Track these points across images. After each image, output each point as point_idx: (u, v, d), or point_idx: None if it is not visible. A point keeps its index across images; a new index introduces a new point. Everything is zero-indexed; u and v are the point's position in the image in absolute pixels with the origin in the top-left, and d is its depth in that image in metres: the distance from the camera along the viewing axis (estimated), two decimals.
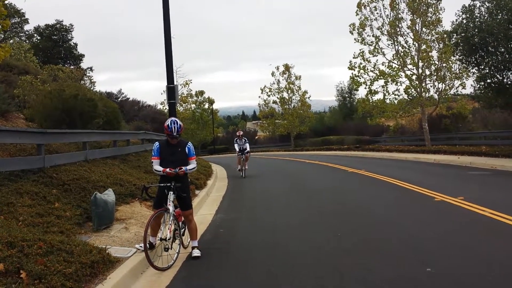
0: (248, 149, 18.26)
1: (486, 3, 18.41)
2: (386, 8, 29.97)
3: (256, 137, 68.52)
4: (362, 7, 30.73)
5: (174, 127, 6.16)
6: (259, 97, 55.45)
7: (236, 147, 18.47)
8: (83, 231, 7.04)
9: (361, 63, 31.44)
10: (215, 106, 61.31)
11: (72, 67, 31.31)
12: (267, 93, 54.03)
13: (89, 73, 35.11)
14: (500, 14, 17.55)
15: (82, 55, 38.80)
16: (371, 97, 32.32)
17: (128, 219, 8.07)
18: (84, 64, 38.07)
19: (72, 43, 38.61)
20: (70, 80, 20.85)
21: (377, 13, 30.25)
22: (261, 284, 5.03)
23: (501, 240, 6.22)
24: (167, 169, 6.11)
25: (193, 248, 6.30)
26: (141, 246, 6.02)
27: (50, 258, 4.79)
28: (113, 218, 7.71)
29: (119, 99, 42.94)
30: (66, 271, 4.64)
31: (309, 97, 53.01)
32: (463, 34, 18.43)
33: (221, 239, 7.35)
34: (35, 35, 38.71)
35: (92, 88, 26.75)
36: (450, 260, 5.41)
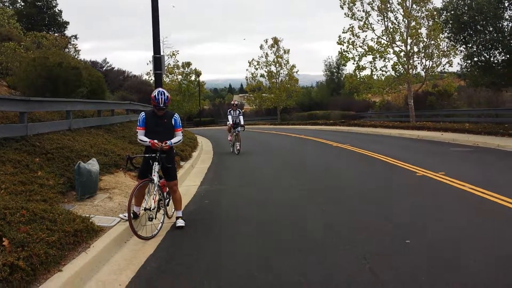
0: (242, 122, 16.12)
1: None
2: None
3: (243, 110, 68.28)
4: None
5: (161, 98, 6.09)
6: (247, 70, 55.19)
7: (230, 119, 16.26)
8: (67, 200, 7.02)
9: (350, 38, 31.38)
10: (202, 78, 60.75)
11: (56, 34, 30.58)
12: (254, 66, 53.73)
13: (73, 41, 34.33)
14: None
15: (67, 23, 37.85)
16: (358, 73, 32.38)
17: (112, 189, 8.06)
18: (68, 32, 37.36)
19: (56, 10, 37.59)
20: (54, 47, 20.43)
21: None
22: (244, 253, 5.10)
23: (478, 213, 6.37)
24: (155, 141, 6.04)
25: (177, 218, 6.33)
26: (125, 216, 6.02)
27: (33, 226, 4.77)
28: (97, 188, 7.69)
29: (104, 69, 42.23)
30: (49, 239, 4.62)
31: (297, 72, 52.85)
32: (452, 12, 18.41)
33: (205, 210, 7.40)
34: (19, 0, 37.55)
35: (76, 57, 26.28)
36: (424, 231, 5.55)
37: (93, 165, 7.68)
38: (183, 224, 6.20)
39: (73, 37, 35.59)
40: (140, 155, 6.55)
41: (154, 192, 5.91)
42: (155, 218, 5.86)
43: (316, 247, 5.19)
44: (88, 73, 15.26)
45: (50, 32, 32.12)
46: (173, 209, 6.57)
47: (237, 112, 16.31)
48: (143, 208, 5.90)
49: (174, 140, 6.24)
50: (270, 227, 6.14)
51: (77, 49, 29.27)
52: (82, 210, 6.52)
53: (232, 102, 17.14)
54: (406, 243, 5.17)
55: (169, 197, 6.61)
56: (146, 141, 6.12)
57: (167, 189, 6.48)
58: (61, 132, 10.07)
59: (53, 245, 4.60)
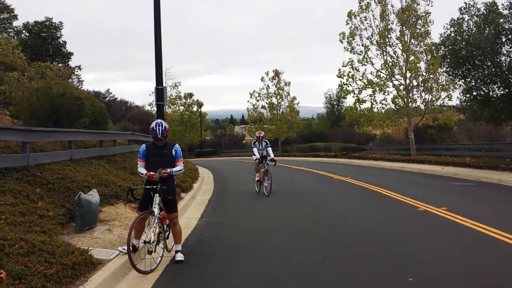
0: (272, 155, 13.35)
1: (474, 17, 18.71)
2: (376, 19, 30.38)
3: (244, 141, 68.49)
4: (353, 16, 31.04)
5: (159, 129, 6.13)
6: (248, 101, 55.69)
7: (256, 152, 13.65)
8: (66, 231, 6.97)
9: (350, 72, 31.79)
10: (203, 109, 61.20)
11: (60, 65, 31.02)
12: (256, 98, 54.29)
13: (77, 71, 34.86)
14: (488, 29, 17.84)
15: (71, 53, 38.54)
16: (359, 106, 32.64)
17: (112, 221, 8.01)
18: (72, 63, 37.82)
19: (61, 41, 38.31)
20: (57, 78, 20.68)
21: (367, 23, 30.65)
22: None
23: (483, 251, 6.30)
24: (151, 173, 6.05)
25: (176, 251, 6.26)
26: (124, 249, 5.97)
27: (31, 258, 4.73)
28: (97, 219, 7.64)
29: (107, 99, 42.68)
30: (47, 272, 4.58)
31: (297, 103, 53.37)
32: (450, 47, 18.67)
33: (205, 243, 7.33)
34: (24, 31, 38.29)
35: (79, 87, 26.56)
36: (429, 268, 5.47)
37: (93, 196, 7.66)
38: (182, 259, 6.13)
39: (77, 68, 36.16)
40: (141, 187, 6.55)
41: (154, 225, 5.87)
42: (155, 252, 5.80)
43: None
44: (91, 103, 15.42)
45: (54, 63, 32.62)
46: (173, 242, 6.50)
47: (264, 143, 13.85)
48: (143, 241, 5.85)
49: (175, 169, 6.24)
50: (271, 262, 6.06)
51: (80, 79, 29.62)
52: (81, 242, 6.47)
53: (258, 135, 14.09)
54: (409, 281, 5.10)
55: (169, 230, 6.56)
56: (143, 174, 6.13)
57: (167, 221, 6.44)
58: (62, 163, 10.08)
59: (51, 278, 4.56)
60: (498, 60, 17.86)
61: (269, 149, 13.62)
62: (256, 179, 13.85)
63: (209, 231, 8.26)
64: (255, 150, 13.78)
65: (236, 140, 68.12)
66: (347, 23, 31.36)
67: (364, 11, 30.44)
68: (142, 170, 6.19)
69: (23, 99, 13.46)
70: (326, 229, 8.21)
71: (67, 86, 16.04)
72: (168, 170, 6.11)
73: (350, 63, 31.65)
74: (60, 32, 38.34)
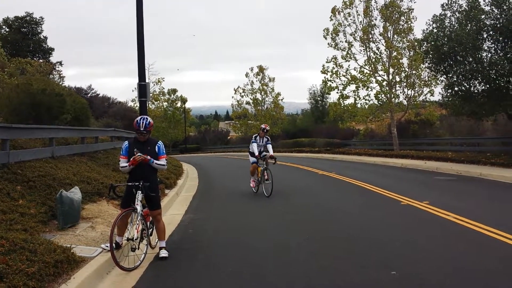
0: (271, 152, 12.12)
1: (456, 13, 18.91)
2: (359, 15, 30.49)
3: (229, 137, 68.45)
4: (336, 12, 31.14)
5: (143, 122, 6.10)
6: (233, 97, 55.51)
7: (255, 148, 12.08)
8: (48, 229, 6.87)
9: (333, 68, 31.90)
10: (187, 105, 61.00)
11: (41, 60, 30.56)
12: (240, 93, 54.16)
13: (58, 67, 34.26)
14: (469, 25, 18.06)
15: (52, 49, 37.87)
16: (342, 101, 32.79)
17: (95, 218, 7.93)
18: (53, 58, 37.16)
19: (42, 36, 37.64)
20: (38, 74, 20.39)
21: (350, 19, 30.75)
22: (228, 286, 5.03)
23: (465, 243, 6.40)
24: (133, 159, 5.99)
25: (160, 248, 6.23)
26: (107, 246, 5.92)
27: (12, 257, 4.66)
28: (79, 217, 7.56)
29: (89, 95, 42.14)
30: (29, 270, 4.52)
31: (282, 99, 53.38)
32: (433, 43, 18.85)
33: (189, 240, 7.31)
34: (4, 26, 37.53)
35: (61, 83, 26.21)
36: (411, 261, 5.55)
37: (75, 193, 7.57)
38: (166, 255, 6.10)
39: (58, 64, 35.53)
40: (123, 184, 6.49)
41: (137, 222, 5.83)
42: (138, 249, 5.76)
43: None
44: (72, 99, 15.22)
45: (35, 58, 32.10)
46: (157, 239, 6.46)
47: (265, 139, 12.30)
48: (126, 238, 5.80)
49: (158, 162, 6.18)
50: (255, 256, 6.07)
51: (61, 75, 29.26)
52: (64, 240, 6.39)
53: (263, 127, 12.35)
54: (392, 274, 5.15)
55: (153, 227, 6.52)
56: (126, 166, 6.07)
57: (151, 218, 6.40)
58: (43, 160, 9.93)
59: (33, 276, 4.50)
60: (479, 56, 18.10)
61: (269, 146, 12.26)
62: (251, 184, 12.44)
63: (194, 228, 8.24)
64: (254, 146, 12.08)
65: (220, 136, 68.06)
66: (331, 19, 31.47)
67: (348, 7, 30.56)
68: (122, 163, 6.14)
69: (3, 96, 13.21)
70: (311, 224, 8.25)
71: (48, 82, 15.80)
72: (149, 157, 6.06)
73: (334, 59, 31.78)
74: (41, 27, 37.69)
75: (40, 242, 5.33)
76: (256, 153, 12.01)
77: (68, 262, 5.18)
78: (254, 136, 12.52)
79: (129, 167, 6.06)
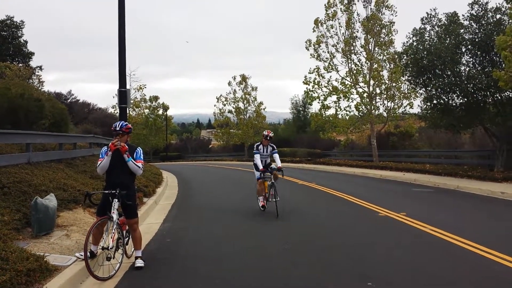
0: (279, 163, 10.35)
1: (436, 27, 19.33)
2: (342, 27, 30.88)
3: (210, 146, 68.27)
4: (319, 24, 31.49)
5: (119, 123, 6.14)
6: (215, 105, 55.53)
7: (258, 161, 10.32)
8: (22, 237, 6.72)
9: (315, 79, 32.19)
10: (169, 113, 60.60)
11: (20, 65, 30.08)
12: (223, 102, 54.12)
13: (38, 72, 33.77)
14: (448, 39, 18.46)
15: (32, 53, 37.27)
16: (324, 112, 33.11)
17: (70, 226, 7.79)
18: (33, 63, 36.56)
19: (22, 40, 37.07)
20: (17, 78, 20.07)
21: (333, 31, 31.11)
22: None
23: (440, 255, 6.48)
24: (112, 143, 5.95)
25: (136, 258, 6.14)
26: (81, 255, 5.81)
27: None
28: (54, 225, 7.41)
29: (69, 101, 41.60)
30: (0, 279, 4.42)
31: (264, 109, 53.54)
32: (412, 56, 19.19)
33: (166, 249, 7.22)
34: None
35: (40, 88, 25.84)
36: (387, 271, 5.59)
37: (50, 200, 7.43)
38: (142, 265, 6.02)
39: (38, 68, 35.03)
40: (99, 192, 6.40)
41: (113, 231, 5.74)
42: (113, 258, 5.67)
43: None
44: (51, 105, 15.02)
45: (14, 63, 31.58)
46: (133, 248, 6.38)
47: (269, 148, 10.64)
48: (101, 247, 5.71)
49: (134, 162, 6.08)
50: (233, 265, 6.04)
51: (41, 80, 28.83)
52: (37, 248, 6.26)
53: (266, 133, 10.65)
54: (367, 286, 5.18)
55: (129, 236, 6.43)
56: (104, 158, 5.98)
57: (127, 227, 6.31)
58: (19, 166, 9.74)
59: (4, 285, 4.41)
60: (457, 69, 18.49)
61: (276, 156, 10.57)
62: (261, 203, 10.56)
63: (171, 237, 8.16)
64: (258, 158, 10.33)
65: (202, 145, 67.82)
66: (314, 31, 31.81)
67: (331, 19, 30.95)
68: (99, 162, 6.05)
69: None
70: (291, 233, 8.25)
71: (26, 86, 15.58)
72: (127, 147, 6.01)
73: (316, 70, 32.11)
74: (21, 31, 37.15)
75: (13, 250, 5.22)
76: (261, 167, 10.19)
77: (41, 270, 5.09)
78: (256, 145, 10.68)
79: (108, 156, 5.96)
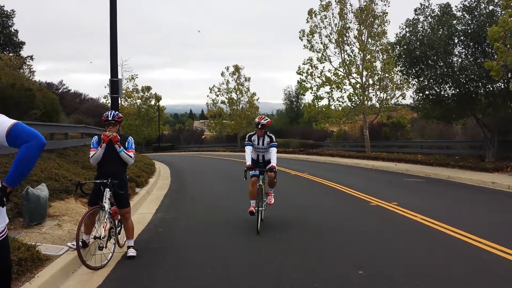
0: (274, 161, 8.01)
1: (429, 18, 19.35)
2: (335, 17, 30.86)
3: (203, 137, 68.12)
4: (313, 14, 31.41)
5: (111, 113, 6.09)
6: (208, 96, 55.33)
7: (247, 154, 8.12)
8: (13, 226, 6.70)
9: (309, 69, 32.18)
10: (162, 103, 60.31)
11: (11, 54, 29.76)
12: (215, 92, 53.95)
13: (29, 61, 33.45)
14: (441, 30, 18.50)
15: (23, 43, 36.84)
16: (317, 103, 33.14)
17: (62, 216, 7.77)
18: (24, 52, 36.16)
19: (12, 30, 36.62)
20: (7, 68, 19.83)
21: (326, 21, 31.12)
22: (197, 285, 5.00)
23: (430, 243, 6.54)
24: (104, 135, 5.93)
25: (128, 247, 6.14)
26: (73, 244, 5.80)
27: None
28: (46, 214, 7.38)
29: (60, 91, 41.34)
30: None
31: (257, 99, 53.44)
32: (405, 47, 19.22)
33: (159, 239, 7.23)
34: None
35: (31, 78, 25.60)
36: (378, 260, 5.64)
37: (42, 190, 7.39)
38: (134, 254, 6.02)
39: (29, 58, 34.67)
40: (91, 181, 6.37)
41: (105, 220, 5.72)
42: (105, 247, 5.66)
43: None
44: (42, 95, 14.87)
45: (5, 52, 31.25)
46: (125, 238, 6.37)
47: (267, 140, 8.25)
48: (93, 237, 5.70)
49: (126, 152, 6.07)
50: (225, 256, 6.06)
51: (32, 70, 28.55)
52: (29, 237, 6.24)
53: (257, 120, 8.21)
54: (359, 273, 5.22)
55: (121, 225, 6.42)
56: (97, 148, 5.96)
57: (119, 216, 6.29)
58: (10, 155, 9.66)
59: None
60: (450, 60, 18.56)
61: (273, 151, 8.10)
62: (250, 208, 7.73)
63: (164, 227, 8.16)
64: (247, 151, 8.12)
65: (195, 135, 67.62)
66: (308, 21, 31.75)
67: (325, 9, 30.87)
68: (91, 152, 6.02)
69: None
70: (284, 222, 8.28)
71: (17, 76, 15.42)
72: (119, 137, 6.00)
73: (309, 60, 32.09)
74: (12, 20, 36.67)
75: None
76: (248, 162, 7.94)
77: (32, 260, 5.06)
78: (248, 135, 8.44)
79: (102, 148, 5.94)
